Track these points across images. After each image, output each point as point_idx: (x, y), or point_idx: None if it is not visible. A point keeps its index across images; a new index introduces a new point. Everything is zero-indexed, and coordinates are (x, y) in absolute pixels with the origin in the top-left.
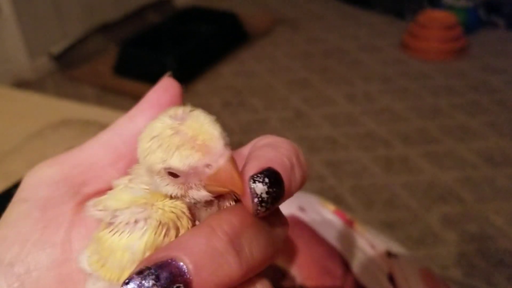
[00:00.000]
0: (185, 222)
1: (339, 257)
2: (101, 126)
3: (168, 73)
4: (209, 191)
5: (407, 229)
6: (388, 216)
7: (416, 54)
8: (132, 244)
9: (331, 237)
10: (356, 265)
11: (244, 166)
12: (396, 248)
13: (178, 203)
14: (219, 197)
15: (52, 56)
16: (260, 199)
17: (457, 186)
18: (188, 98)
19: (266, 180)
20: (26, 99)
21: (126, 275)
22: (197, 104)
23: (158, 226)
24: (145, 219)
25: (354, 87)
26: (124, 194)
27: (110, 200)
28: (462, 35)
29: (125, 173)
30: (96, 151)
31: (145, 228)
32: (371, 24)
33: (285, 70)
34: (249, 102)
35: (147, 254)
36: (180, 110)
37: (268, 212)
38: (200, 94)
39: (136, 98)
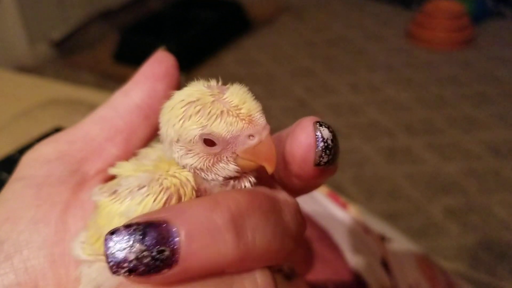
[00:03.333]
0: (189, 191)
1: (330, 241)
2: (90, 106)
3: (162, 48)
4: (239, 165)
5: (409, 220)
6: (390, 206)
7: (422, 44)
8: (129, 209)
9: (323, 220)
10: (348, 250)
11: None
12: (391, 232)
13: (185, 171)
14: (236, 178)
15: (52, 42)
16: (326, 144)
17: (461, 177)
18: None
19: (331, 128)
20: (17, 80)
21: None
22: None
23: (160, 191)
24: (148, 184)
25: (358, 77)
26: (131, 165)
27: (114, 169)
28: (469, 25)
29: (123, 148)
30: (92, 127)
31: (146, 193)
32: (376, 13)
33: (288, 59)
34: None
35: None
36: (212, 82)
37: (328, 166)
38: None
39: None
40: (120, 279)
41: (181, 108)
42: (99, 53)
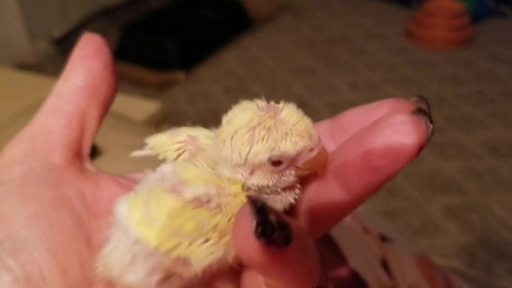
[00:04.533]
0: None
1: (330, 241)
2: None
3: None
4: (298, 175)
5: (408, 218)
6: (389, 205)
7: (422, 42)
8: (203, 218)
9: None
10: (348, 250)
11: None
12: (391, 232)
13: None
14: (287, 188)
15: (53, 39)
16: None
17: (460, 176)
18: (190, 83)
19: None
20: (18, 78)
21: (171, 244)
22: (198, 90)
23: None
24: (219, 204)
25: (358, 76)
26: (191, 166)
27: (177, 169)
28: (469, 24)
29: (80, 129)
30: (47, 119)
31: (218, 209)
32: (377, 12)
33: (288, 57)
34: (252, 89)
35: (213, 236)
36: (259, 103)
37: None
38: (202, 80)
39: (137, 82)
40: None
41: (245, 134)
42: None
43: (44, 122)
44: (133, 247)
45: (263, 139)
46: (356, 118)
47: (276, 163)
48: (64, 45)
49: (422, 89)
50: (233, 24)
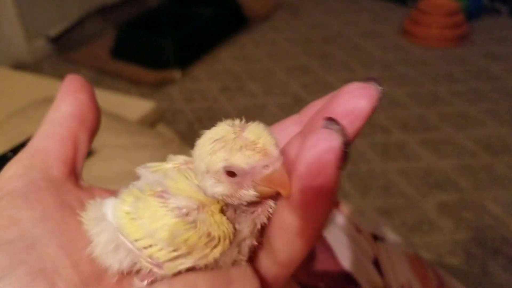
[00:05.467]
0: (226, 243)
1: (322, 241)
2: None
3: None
4: (258, 191)
5: (403, 216)
6: (384, 203)
7: (417, 40)
8: (177, 229)
9: None
10: (340, 249)
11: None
12: (384, 231)
13: (225, 220)
14: (258, 204)
15: (49, 38)
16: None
17: (455, 173)
18: (186, 82)
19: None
20: (13, 77)
21: (146, 243)
22: (195, 89)
23: (207, 235)
24: (195, 219)
25: (354, 73)
26: (182, 177)
27: (167, 179)
28: (464, 22)
29: (74, 150)
30: (44, 141)
31: (193, 225)
32: (372, 9)
33: (284, 55)
34: (248, 87)
35: (182, 248)
36: (237, 121)
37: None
38: (198, 78)
39: (133, 81)
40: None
41: (209, 145)
42: (96, 49)
43: (41, 143)
44: (117, 237)
45: (220, 149)
46: (311, 109)
47: (230, 173)
48: (60, 44)
49: (417, 86)
50: (230, 22)
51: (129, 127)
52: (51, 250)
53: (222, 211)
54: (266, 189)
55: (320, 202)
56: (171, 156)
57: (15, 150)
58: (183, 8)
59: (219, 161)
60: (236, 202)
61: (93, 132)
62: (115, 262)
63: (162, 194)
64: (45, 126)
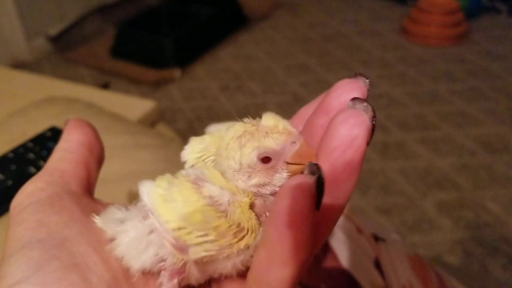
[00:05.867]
0: (252, 237)
1: None
2: (85, 104)
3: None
4: (290, 171)
5: (402, 215)
6: (384, 201)
7: (416, 39)
8: (209, 215)
9: None
10: (341, 250)
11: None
12: (385, 232)
13: (253, 216)
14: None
15: (49, 37)
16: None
17: (454, 172)
18: (186, 81)
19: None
20: (14, 77)
21: (176, 225)
22: (195, 87)
23: (237, 225)
24: (226, 210)
25: (353, 72)
26: (215, 170)
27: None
28: (463, 21)
29: (87, 173)
30: (58, 164)
31: (224, 214)
32: (371, 8)
33: (284, 54)
34: (247, 85)
35: (211, 234)
36: (247, 119)
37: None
38: (198, 77)
39: (133, 80)
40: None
41: (235, 142)
42: (96, 48)
43: (57, 165)
44: (147, 236)
45: (248, 141)
46: (303, 113)
47: (265, 159)
48: (60, 43)
49: (416, 85)
50: (229, 21)
51: (129, 127)
52: (81, 248)
53: (251, 206)
54: (297, 167)
55: (348, 177)
56: (182, 172)
57: (16, 151)
58: (183, 7)
59: (251, 151)
60: (269, 191)
61: (100, 161)
62: (137, 261)
63: (197, 181)
64: (57, 153)
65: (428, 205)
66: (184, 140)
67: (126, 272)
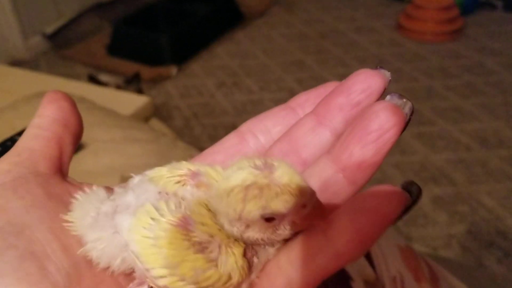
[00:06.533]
0: (240, 283)
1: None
2: (76, 99)
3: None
4: (294, 229)
5: None
6: None
7: (412, 35)
8: (200, 266)
9: None
10: None
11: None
12: None
13: (246, 264)
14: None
15: (45, 35)
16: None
17: (449, 167)
18: (182, 78)
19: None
20: (8, 73)
21: (164, 273)
22: (191, 85)
23: (228, 276)
24: (217, 257)
25: (349, 69)
26: (202, 210)
27: (189, 209)
28: (459, 17)
29: (59, 150)
30: (29, 142)
31: (214, 263)
32: (367, 5)
33: (280, 51)
34: (244, 82)
35: (201, 283)
36: (258, 161)
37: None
38: (195, 75)
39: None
40: None
41: (240, 192)
42: (92, 46)
43: (26, 144)
44: (124, 251)
45: (255, 197)
46: (302, 99)
47: (269, 219)
48: (56, 41)
49: (412, 81)
50: (225, 18)
51: (120, 122)
52: (41, 234)
53: (244, 254)
54: (304, 226)
55: (374, 163)
56: (174, 164)
57: (3, 144)
58: (179, 4)
59: (256, 209)
60: (266, 243)
61: (77, 136)
62: (114, 266)
63: (186, 226)
64: (29, 130)
65: (424, 200)
66: (180, 137)
67: (88, 260)
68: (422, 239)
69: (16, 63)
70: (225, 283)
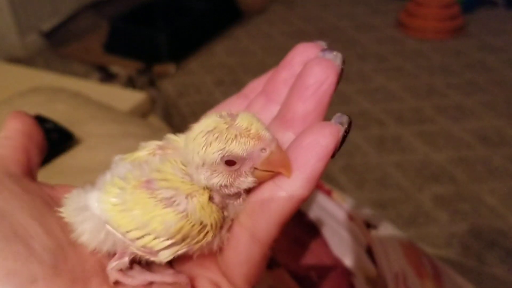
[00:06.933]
0: (217, 229)
1: (314, 229)
2: (71, 93)
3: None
4: (257, 177)
5: (399, 208)
6: (380, 195)
7: (412, 33)
8: (170, 219)
9: (307, 207)
10: (332, 238)
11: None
12: (377, 219)
13: (215, 208)
14: (247, 190)
15: (42, 33)
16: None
17: (451, 166)
18: (180, 76)
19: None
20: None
21: (139, 234)
22: (189, 82)
23: (200, 223)
24: (186, 209)
25: (349, 66)
26: (165, 167)
27: (151, 169)
28: (460, 14)
29: (27, 158)
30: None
31: (184, 214)
32: (367, 2)
33: (279, 49)
34: (243, 80)
35: (176, 236)
36: (225, 112)
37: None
38: (193, 72)
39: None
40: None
41: (202, 137)
42: (89, 43)
43: None
44: (104, 227)
45: (215, 140)
46: (255, 85)
47: (229, 162)
48: (53, 39)
49: (413, 79)
50: (224, 16)
51: (116, 117)
52: (23, 220)
53: (210, 199)
54: (264, 174)
55: (317, 115)
56: (143, 144)
57: None
58: (177, 2)
59: (215, 151)
60: (232, 192)
61: (41, 149)
62: (103, 248)
63: (149, 185)
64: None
65: (425, 199)
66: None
67: (73, 242)
68: (423, 238)
69: (13, 60)
70: (200, 231)
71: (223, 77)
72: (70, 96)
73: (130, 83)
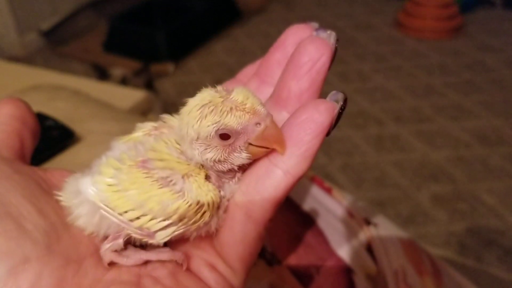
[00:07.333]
0: (215, 208)
1: (314, 226)
2: (71, 91)
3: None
4: (250, 153)
5: (397, 207)
6: (379, 194)
7: (411, 32)
8: (166, 199)
9: (307, 205)
10: (333, 235)
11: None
12: (377, 217)
13: (211, 187)
14: (241, 169)
15: (41, 32)
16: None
17: (449, 165)
18: (179, 75)
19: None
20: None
21: (135, 215)
22: (188, 82)
23: (197, 202)
24: (182, 188)
25: (348, 66)
26: (160, 147)
27: (146, 148)
28: (458, 14)
29: (20, 144)
30: None
31: (181, 193)
32: (366, 2)
33: None
34: None
35: (173, 217)
36: (220, 87)
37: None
38: (192, 71)
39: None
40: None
41: (197, 110)
42: (88, 42)
43: None
44: (99, 210)
45: (210, 113)
46: (248, 71)
47: (223, 136)
48: (52, 38)
49: (411, 78)
50: (223, 15)
51: (116, 115)
52: (15, 199)
53: (207, 178)
54: (259, 150)
55: (312, 94)
56: (139, 125)
57: None
58: (176, 1)
59: (210, 124)
60: (226, 168)
61: (35, 133)
62: (99, 231)
63: (144, 164)
64: None
65: (423, 198)
66: None
67: (66, 224)
68: (421, 237)
69: (12, 59)
70: (197, 211)
71: (222, 76)
72: (71, 94)
73: (123, 84)
